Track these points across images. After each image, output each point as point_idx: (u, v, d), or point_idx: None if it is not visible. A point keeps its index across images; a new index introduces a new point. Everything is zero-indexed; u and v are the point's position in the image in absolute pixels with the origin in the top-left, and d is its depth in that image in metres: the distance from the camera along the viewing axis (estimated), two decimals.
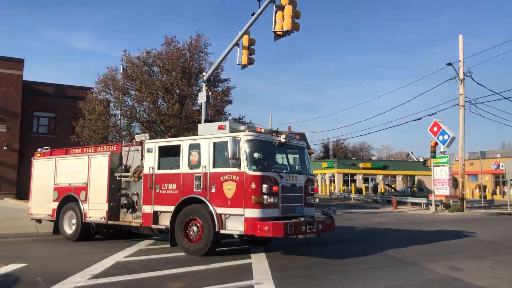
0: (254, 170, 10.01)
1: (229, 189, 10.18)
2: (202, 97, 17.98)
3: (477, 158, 37.82)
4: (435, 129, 31.43)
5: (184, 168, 11.05)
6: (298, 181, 10.90)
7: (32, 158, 15.21)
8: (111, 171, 12.76)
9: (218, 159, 10.61)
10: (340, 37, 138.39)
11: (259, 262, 9.93)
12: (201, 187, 10.60)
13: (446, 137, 30.79)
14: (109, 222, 12.57)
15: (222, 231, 10.21)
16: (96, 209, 12.82)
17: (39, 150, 15.37)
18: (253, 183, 9.87)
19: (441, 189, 31.25)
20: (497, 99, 52.79)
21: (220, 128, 10.76)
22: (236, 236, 10.28)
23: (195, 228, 10.60)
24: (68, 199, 13.59)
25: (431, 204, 30.68)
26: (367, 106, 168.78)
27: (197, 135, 11.58)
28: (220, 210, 10.25)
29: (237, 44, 16.92)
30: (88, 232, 13.19)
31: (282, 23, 15.00)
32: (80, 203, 13.14)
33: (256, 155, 10.42)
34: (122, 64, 27.70)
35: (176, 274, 8.85)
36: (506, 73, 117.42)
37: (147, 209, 11.59)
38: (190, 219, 10.72)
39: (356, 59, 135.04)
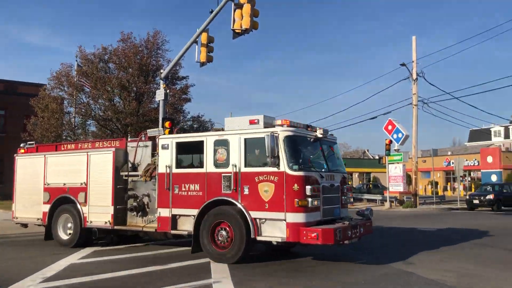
0: (296, 170, 8.99)
1: (266, 190, 9.12)
2: (160, 95, 17.53)
3: (430, 156, 38.52)
4: (390, 127, 31.57)
5: (209, 167, 9.87)
6: (335, 180, 9.99)
7: (15, 155, 13.48)
8: (117, 170, 11.38)
9: (251, 157, 9.53)
10: (298, 36, 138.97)
11: None
12: (231, 188, 9.48)
13: (400, 135, 31.02)
14: (116, 227, 11.23)
15: (258, 238, 9.17)
16: (98, 212, 11.42)
17: (22, 145, 13.69)
18: (295, 185, 8.86)
19: (395, 186, 32.11)
20: (449, 99, 54.16)
21: (252, 122, 9.61)
22: (275, 243, 9.24)
23: (223, 232, 9.49)
24: (63, 201, 12.08)
25: (386, 201, 31.19)
26: (325, 105, 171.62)
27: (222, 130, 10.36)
28: (255, 214, 9.19)
29: (195, 41, 16.64)
30: (89, 238, 11.79)
31: (241, 21, 14.84)
32: (78, 205, 11.69)
33: (295, 152, 9.39)
34: (76, 61, 26.74)
35: (133, 274, 8.57)
36: (457, 73, 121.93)
37: (164, 212, 10.34)
38: (218, 223, 9.60)
39: (314, 58, 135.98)
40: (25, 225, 13.45)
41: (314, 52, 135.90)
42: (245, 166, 9.44)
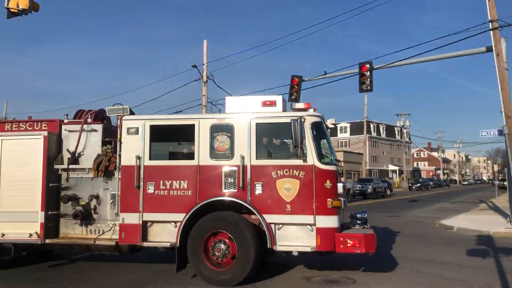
0: (327, 164, 7.44)
1: (288, 188, 7.32)
2: None
3: None
4: None
5: (202, 158, 7.63)
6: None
7: None
8: (48, 162, 8.21)
9: (266, 147, 7.65)
10: (92, 25, 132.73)
11: None
12: (237, 185, 7.43)
13: None
14: (47, 241, 8.03)
15: (277, 248, 7.30)
16: (16, 221, 8.07)
17: None
18: (327, 181, 7.28)
19: None
20: None
21: (266, 104, 7.71)
22: (296, 254, 7.44)
23: (222, 246, 7.35)
24: None
25: None
26: (119, 99, 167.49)
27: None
28: (271, 218, 7.32)
29: None
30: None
31: (18, 1, 12.88)
32: None
33: (321, 143, 7.78)
34: None
35: None
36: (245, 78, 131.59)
37: (130, 218, 7.69)
38: (213, 233, 7.43)
39: (109, 50, 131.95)
40: None
41: (110, 43, 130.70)
42: (257, 158, 7.51)
